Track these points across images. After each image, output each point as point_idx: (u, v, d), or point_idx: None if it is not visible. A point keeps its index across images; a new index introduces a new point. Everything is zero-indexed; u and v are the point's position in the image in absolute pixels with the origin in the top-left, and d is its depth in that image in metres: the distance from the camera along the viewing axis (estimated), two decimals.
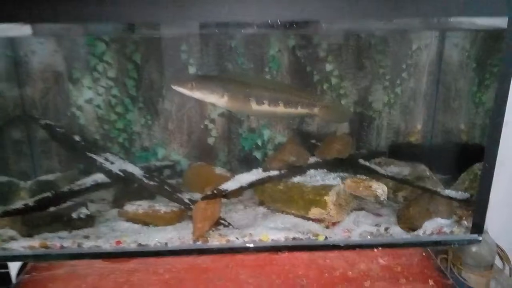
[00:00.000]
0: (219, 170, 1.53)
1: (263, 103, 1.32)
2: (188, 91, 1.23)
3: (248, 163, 1.66)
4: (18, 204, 1.26)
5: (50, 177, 1.51)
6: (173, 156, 1.64)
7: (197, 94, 1.23)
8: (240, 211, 1.42)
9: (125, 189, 1.46)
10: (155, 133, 1.62)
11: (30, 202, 1.25)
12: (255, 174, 1.36)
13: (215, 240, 1.24)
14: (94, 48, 1.50)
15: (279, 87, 1.40)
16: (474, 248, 1.46)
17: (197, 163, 1.59)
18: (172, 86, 1.24)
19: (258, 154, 1.67)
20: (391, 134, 1.65)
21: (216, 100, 1.26)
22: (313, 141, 1.57)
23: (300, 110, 1.38)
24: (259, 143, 1.66)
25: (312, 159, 1.45)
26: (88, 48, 1.51)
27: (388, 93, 1.61)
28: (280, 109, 1.35)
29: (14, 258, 1.21)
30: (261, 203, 1.45)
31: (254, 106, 1.32)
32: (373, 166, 1.42)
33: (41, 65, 1.51)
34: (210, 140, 1.64)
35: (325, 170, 1.43)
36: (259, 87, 1.34)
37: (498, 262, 1.58)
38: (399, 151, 1.60)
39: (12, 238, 1.24)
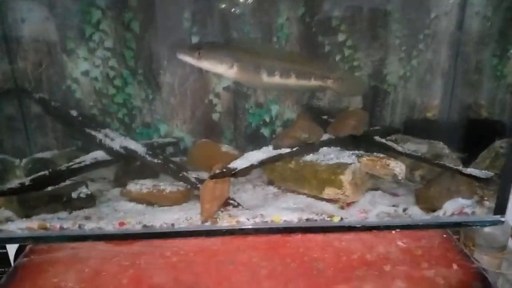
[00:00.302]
0: (225, 148, 1.45)
1: (275, 75, 1.23)
2: (194, 60, 1.13)
3: (255, 140, 1.59)
4: (14, 183, 1.18)
5: (46, 154, 1.43)
6: (176, 133, 1.56)
7: (204, 64, 1.14)
8: (249, 190, 1.36)
9: (126, 167, 1.38)
10: (157, 108, 1.53)
11: (26, 181, 1.18)
12: (266, 152, 1.29)
13: (224, 221, 1.19)
14: (89, 16, 1.39)
15: (291, 57, 1.31)
16: (487, 229, 1.41)
17: (202, 140, 1.51)
18: (177, 55, 1.14)
19: (266, 131, 1.59)
20: (406, 110, 1.58)
21: (225, 70, 1.17)
22: (325, 117, 1.49)
23: (313, 82, 1.29)
24: (267, 119, 1.58)
25: (324, 136, 1.37)
26: (82, 16, 1.40)
27: (404, 65, 1.52)
28: (292, 81, 1.26)
29: (12, 240, 1.15)
30: (271, 182, 1.39)
31: (265, 77, 1.23)
32: (389, 143, 1.35)
33: (32, 33, 1.40)
34: (215, 116, 1.56)
35: (338, 148, 1.36)
36: (270, 57, 1.25)
37: (510, 243, 1.55)
38: (415, 127, 1.53)
39: (9, 219, 1.17)
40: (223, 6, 1.42)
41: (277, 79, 1.25)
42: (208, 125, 1.57)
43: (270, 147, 1.30)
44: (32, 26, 1.39)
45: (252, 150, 1.53)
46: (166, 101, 1.53)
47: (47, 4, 1.37)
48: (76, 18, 1.40)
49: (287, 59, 1.29)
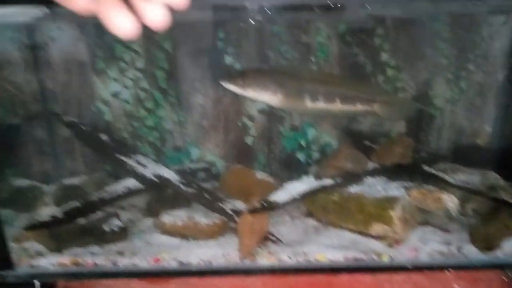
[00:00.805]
0: (261, 175, 1.39)
1: (318, 100, 1.16)
2: (239, 89, 1.07)
3: (290, 166, 1.52)
4: (44, 214, 1.14)
5: (75, 180, 1.39)
6: (208, 157, 1.50)
7: (249, 92, 1.08)
8: (287, 223, 1.29)
9: (159, 195, 1.33)
10: (188, 131, 1.48)
11: (59, 213, 1.13)
12: (306, 183, 1.22)
13: (264, 259, 1.12)
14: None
15: (335, 80, 1.23)
16: None
17: (236, 166, 1.45)
18: (221, 83, 1.08)
19: (301, 156, 1.52)
20: (454, 135, 1.48)
21: (269, 98, 1.10)
22: (367, 142, 1.41)
23: (358, 107, 1.22)
24: (303, 143, 1.51)
25: (368, 165, 1.30)
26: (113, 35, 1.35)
27: (452, 87, 1.44)
28: (337, 106, 1.18)
29: (44, 277, 1.10)
30: (309, 214, 1.32)
31: (309, 103, 1.16)
32: (440, 174, 1.27)
33: (62, 54, 1.36)
34: (249, 140, 1.50)
35: (384, 178, 1.28)
36: (313, 81, 1.18)
37: None
38: (464, 155, 1.43)
39: (39, 254, 1.13)
40: (258, 24, 1.36)
41: (320, 105, 1.18)
42: (241, 149, 1.51)
43: (311, 177, 1.23)
44: (61, 47, 1.35)
45: (286, 176, 1.48)
46: (198, 124, 1.47)
47: (78, 23, 1.33)
48: (107, 36, 1.36)
49: (331, 82, 1.21)
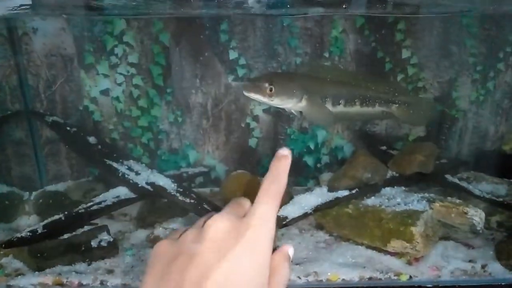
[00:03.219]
0: None
1: (339, 104, 1.07)
2: (266, 99, 0.97)
3: (296, 171, 1.44)
4: (25, 230, 1.05)
5: (59, 187, 1.30)
6: (208, 161, 1.42)
7: (276, 101, 0.98)
8: (296, 237, 1.21)
9: (152, 204, 1.24)
10: (186, 132, 1.38)
11: (39, 227, 1.04)
12: (319, 195, 1.14)
13: None
14: (111, 27, 1.24)
15: (355, 80, 1.14)
16: None
17: (238, 171, 1.36)
18: (245, 93, 0.97)
19: (309, 160, 1.43)
20: (477, 140, 1.40)
21: (293, 105, 1.01)
22: (383, 147, 1.33)
23: (377, 108, 1.13)
24: (312, 146, 1.42)
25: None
26: (103, 26, 1.25)
27: (478, 88, 1.35)
28: (356, 109, 1.10)
29: None
30: (319, 227, 1.24)
31: (330, 108, 1.07)
32: (464, 184, 1.19)
33: (45, 47, 1.26)
34: (252, 142, 1.41)
35: (403, 188, 1.20)
36: (335, 83, 1.09)
37: None
38: (488, 162, 1.36)
39: (18, 272, 1.04)
40: (267, 18, 1.26)
41: (340, 108, 1.09)
42: (243, 152, 1.42)
43: (324, 188, 1.15)
44: (45, 38, 1.25)
45: (292, 181, 1.40)
46: (196, 124, 1.38)
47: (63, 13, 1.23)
48: (96, 28, 1.26)
49: (351, 83, 1.12)
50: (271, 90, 0.95)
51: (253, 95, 0.96)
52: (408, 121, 1.25)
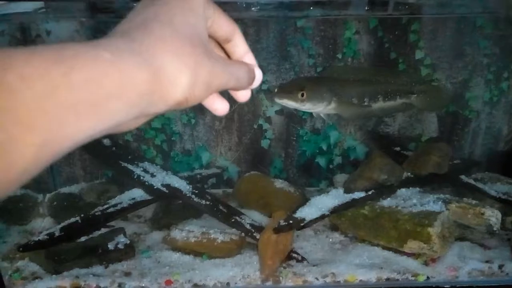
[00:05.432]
0: (280, 184, 1.30)
1: (364, 101, 1.08)
2: (298, 104, 0.97)
3: (309, 172, 1.44)
4: (41, 233, 1.05)
5: (73, 188, 1.30)
6: (220, 162, 1.42)
7: (307, 106, 0.99)
8: (311, 238, 1.21)
9: (167, 206, 1.25)
10: (199, 134, 1.39)
11: (56, 230, 1.04)
12: (335, 196, 1.14)
13: (289, 281, 1.05)
14: None
15: (375, 76, 1.15)
16: None
17: (251, 173, 1.36)
18: (276, 100, 0.98)
19: (322, 161, 1.44)
20: (490, 140, 1.41)
21: (323, 109, 1.02)
22: (397, 148, 1.33)
23: (398, 101, 1.15)
24: (324, 147, 1.43)
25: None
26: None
27: (491, 88, 1.36)
28: (379, 105, 1.11)
29: None
30: (334, 228, 1.24)
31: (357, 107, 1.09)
32: (480, 185, 1.20)
33: None
34: (265, 143, 1.41)
35: (418, 189, 1.21)
36: (359, 82, 1.11)
37: None
38: (502, 163, 1.36)
39: (35, 275, 1.04)
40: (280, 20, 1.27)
41: (366, 105, 1.10)
42: (256, 153, 1.42)
43: (340, 190, 1.16)
44: (58, 40, 1.25)
45: (305, 182, 1.40)
46: (209, 125, 1.38)
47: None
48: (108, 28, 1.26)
49: (372, 80, 1.14)
50: (302, 95, 0.96)
51: (285, 102, 0.97)
52: (427, 108, 1.28)
